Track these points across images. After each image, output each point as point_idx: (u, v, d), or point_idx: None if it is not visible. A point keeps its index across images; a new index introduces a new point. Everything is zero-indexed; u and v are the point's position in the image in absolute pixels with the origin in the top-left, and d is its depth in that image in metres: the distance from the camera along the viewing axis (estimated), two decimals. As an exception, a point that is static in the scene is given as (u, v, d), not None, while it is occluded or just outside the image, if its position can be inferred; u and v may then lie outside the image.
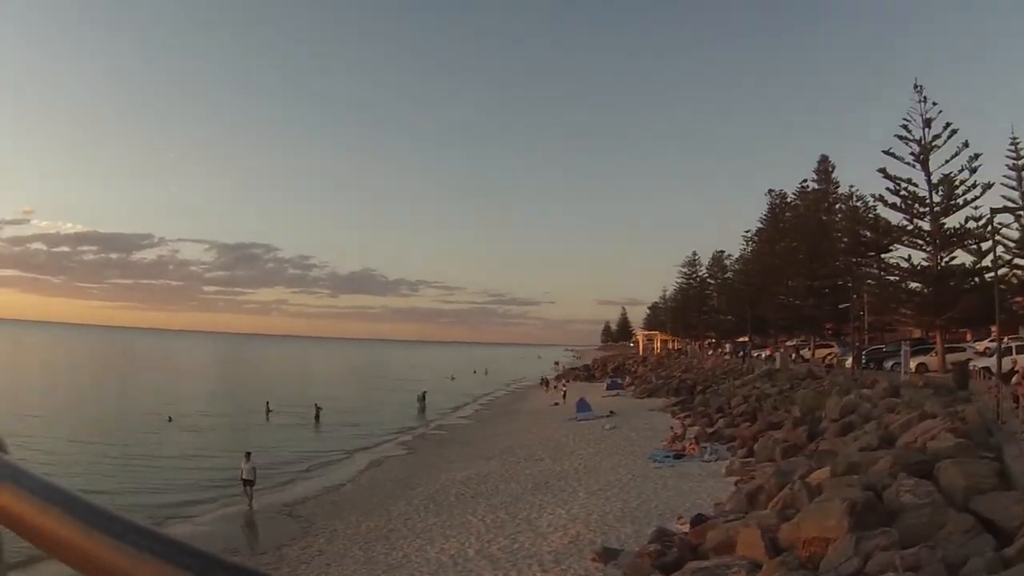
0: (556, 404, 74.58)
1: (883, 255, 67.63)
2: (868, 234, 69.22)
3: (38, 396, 75.32)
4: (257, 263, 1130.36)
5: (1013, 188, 62.23)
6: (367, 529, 27.83)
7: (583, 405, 61.10)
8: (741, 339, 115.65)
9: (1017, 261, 58.78)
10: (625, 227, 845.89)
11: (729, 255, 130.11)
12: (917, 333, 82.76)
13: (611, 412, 59.96)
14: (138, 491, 36.37)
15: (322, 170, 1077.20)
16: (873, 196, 70.88)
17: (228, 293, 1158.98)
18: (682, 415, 54.93)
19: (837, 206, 79.32)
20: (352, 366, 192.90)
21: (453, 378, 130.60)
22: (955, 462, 17.38)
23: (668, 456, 37.12)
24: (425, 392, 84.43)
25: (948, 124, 51.55)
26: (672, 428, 46.64)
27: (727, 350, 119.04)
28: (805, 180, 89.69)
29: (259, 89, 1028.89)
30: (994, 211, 28.59)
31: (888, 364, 56.98)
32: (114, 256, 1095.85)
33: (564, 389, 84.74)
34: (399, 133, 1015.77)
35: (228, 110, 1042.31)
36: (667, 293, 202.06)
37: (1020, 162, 63.09)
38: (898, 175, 53.27)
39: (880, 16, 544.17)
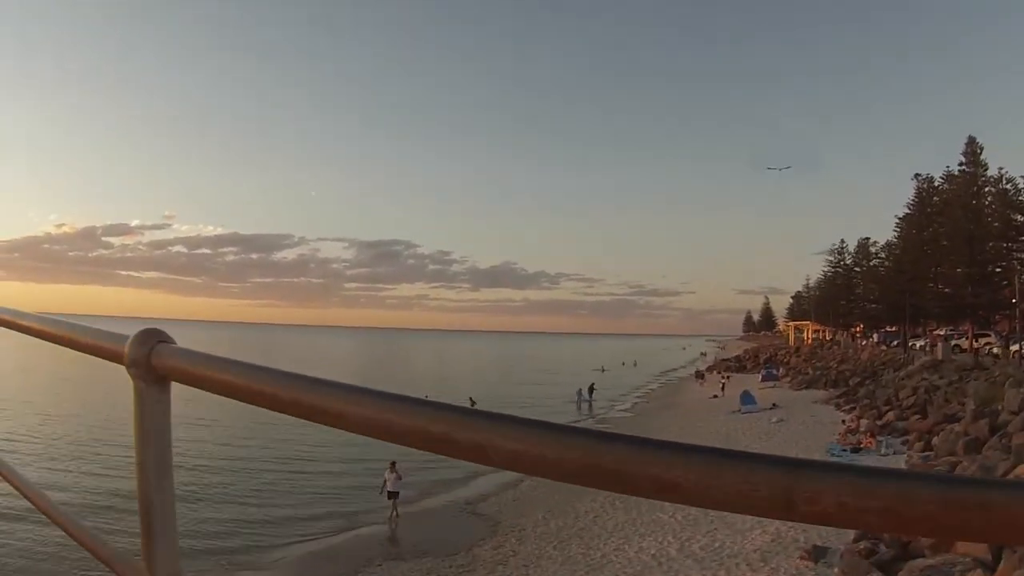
0: (715, 396, 74.38)
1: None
2: (1020, 218, 67.59)
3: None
4: (397, 259, 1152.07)
5: None
6: (557, 528, 28.10)
7: (747, 398, 60.98)
8: (890, 328, 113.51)
9: None
10: (765, 215, 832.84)
11: (875, 242, 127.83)
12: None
13: (774, 404, 59.76)
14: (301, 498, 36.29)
15: (460, 166, 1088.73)
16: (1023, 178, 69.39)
17: (369, 289, 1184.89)
18: (847, 407, 54.64)
19: (987, 189, 77.21)
20: (498, 359, 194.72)
21: (604, 370, 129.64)
22: None
23: (845, 450, 37.13)
24: (593, 384, 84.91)
25: None
26: (844, 422, 46.38)
27: (875, 340, 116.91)
28: (951, 165, 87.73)
29: (393, 89, 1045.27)
30: None
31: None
32: (255, 256, 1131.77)
33: (724, 381, 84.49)
34: (533, 129, 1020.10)
35: (363, 109, 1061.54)
36: (810, 282, 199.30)
37: None
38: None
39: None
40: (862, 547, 18.89)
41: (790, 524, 23.18)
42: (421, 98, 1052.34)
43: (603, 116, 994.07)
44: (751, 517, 24.29)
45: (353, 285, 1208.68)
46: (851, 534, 21.10)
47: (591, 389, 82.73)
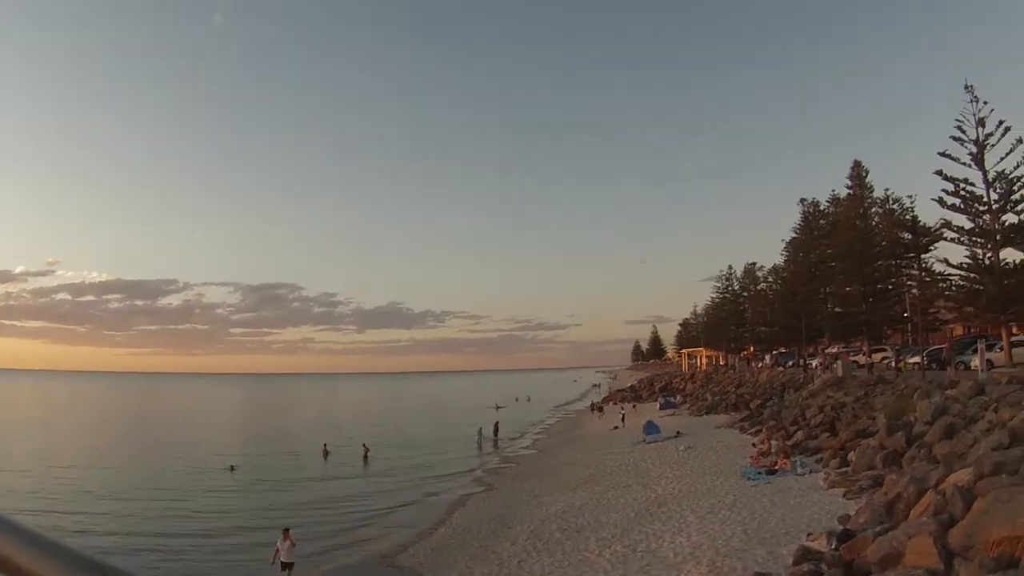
0: (616, 428, 74.47)
1: (923, 255, 67.45)
2: (907, 236, 69.00)
3: (77, 448, 76.15)
4: (283, 303, 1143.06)
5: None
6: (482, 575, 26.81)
7: (651, 427, 60.74)
8: (782, 350, 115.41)
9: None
10: (648, 247, 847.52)
11: (761, 266, 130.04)
12: (959, 331, 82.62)
13: (678, 432, 59.56)
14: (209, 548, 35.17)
15: (344, 207, 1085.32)
16: (909, 198, 71.27)
17: (255, 334, 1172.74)
18: (752, 430, 54.62)
19: (873, 210, 78.93)
20: (389, 401, 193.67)
21: (499, 407, 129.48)
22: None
23: (760, 473, 36.66)
24: (498, 423, 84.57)
25: (1001, 122, 51.71)
26: (755, 444, 46.16)
27: (767, 362, 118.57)
28: (836, 188, 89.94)
29: (273, 133, 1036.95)
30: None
31: (953, 363, 56.70)
32: (140, 303, 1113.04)
33: (623, 412, 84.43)
34: (416, 168, 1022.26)
35: (245, 153, 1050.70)
36: (698, 309, 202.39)
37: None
38: (954, 176, 53.33)
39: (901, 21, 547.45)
40: (805, 570, 18.35)
41: (723, 553, 22.65)
42: (302, 141, 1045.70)
43: (484, 153, 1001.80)
44: (682, 550, 23.69)
45: (238, 330, 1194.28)
46: (789, 559, 20.61)
47: (496, 428, 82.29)
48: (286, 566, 27.86)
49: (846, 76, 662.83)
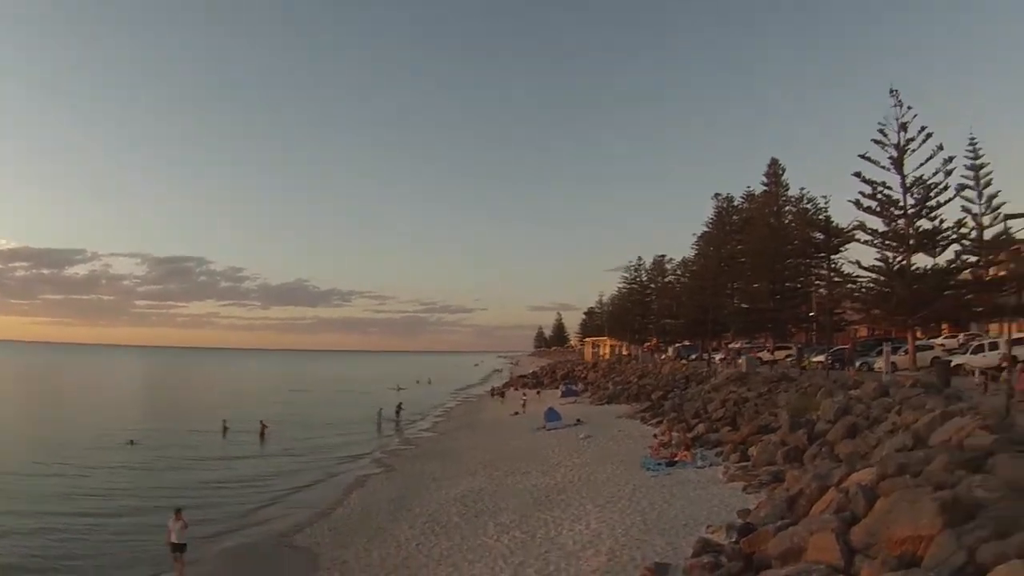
0: (516, 413, 74.54)
1: (833, 256, 68.57)
2: (819, 236, 70.05)
3: None
4: (189, 276, 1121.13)
5: (971, 188, 64.13)
6: (380, 558, 26.21)
7: (552, 414, 60.73)
8: (684, 343, 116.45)
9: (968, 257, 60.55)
10: (555, 234, 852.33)
11: (671, 259, 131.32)
12: (863, 332, 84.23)
13: (578, 420, 59.69)
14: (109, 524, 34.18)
15: (254, 181, 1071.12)
16: (824, 198, 72.47)
17: (160, 307, 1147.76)
18: (653, 421, 54.84)
19: (787, 208, 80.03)
20: (292, 378, 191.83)
21: (400, 388, 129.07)
22: (1010, 456, 17.42)
23: (660, 464, 36.68)
24: (401, 404, 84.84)
25: (923, 128, 52.48)
26: (656, 435, 46.30)
27: (670, 354, 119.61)
28: (751, 185, 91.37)
29: (187, 102, 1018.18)
30: (1008, 216, 28.85)
31: (857, 364, 57.65)
32: (46, 272, 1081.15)
33: (524, 398, 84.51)
34: (326, 143, 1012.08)
35: (158, 123, 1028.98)
36: (604, 298, 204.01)
37: (977, 162, 64.89)
38: (872, 179, 54.04)
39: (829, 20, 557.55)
40: (705, 561, 18.22)
41: (623, 542, 22.51)
42: (213, 111, 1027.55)
43: (396, 132, 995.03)
44: (582, 538, 23.47)
45: (144, 303, 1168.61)
46: (689, 551, 20.51)
47: (398, 409, 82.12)
48: (177, 547, 25.81)
49: (767, 75, 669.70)
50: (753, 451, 34.86)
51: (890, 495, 16.25)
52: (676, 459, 37.15)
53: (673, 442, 41.74)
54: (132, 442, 58.58)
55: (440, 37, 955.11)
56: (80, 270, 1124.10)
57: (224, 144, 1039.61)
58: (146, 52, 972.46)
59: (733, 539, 20.01)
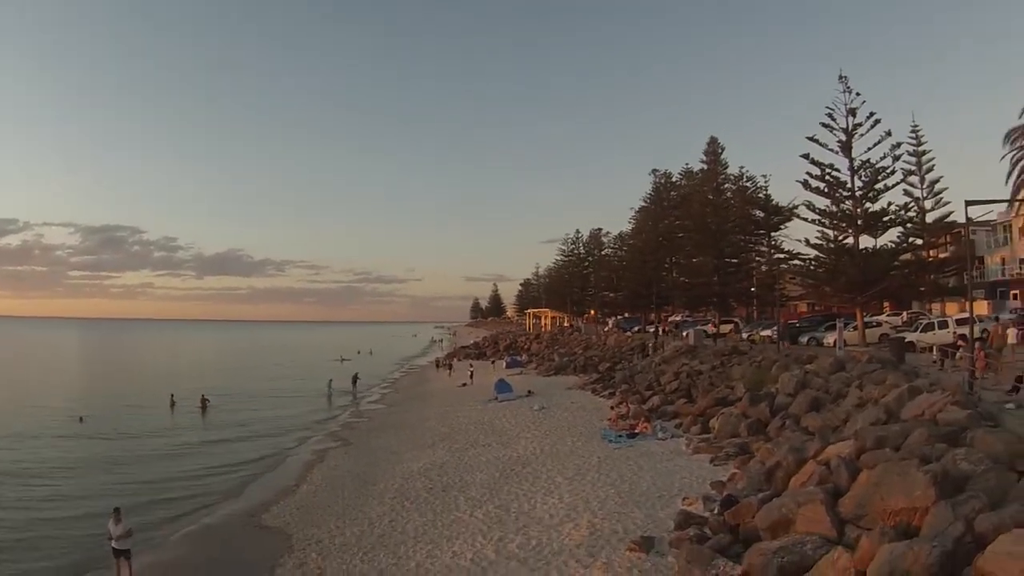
0: (464, 385, 74.69)
1: (773, 233, 69.48)
2: (759, 213, 70.89)
3: None
4: (123, 246, 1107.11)
5: (913, 173, 65.73)
6: (355, 536, 25.76)
7: (502, 385, 60.94)
8: (624, 315, 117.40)
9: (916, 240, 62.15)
10: (490, 205, 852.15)
11: (607, 232, 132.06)
12: (803, 309, 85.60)
13: (529, 392, 59.95)
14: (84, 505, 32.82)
15: (186, 149, 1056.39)
16: (764, 177, 73.56)
17: (94, 278, 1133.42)
18: (605, 393, 55.28)
19: (726, 186, 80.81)
20: (231, 351, 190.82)
21: (343, 360, 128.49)
22: (986, 431, 17.93)
23: (621, 436, 36.99)
24: (357, 375, 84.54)
25: (872, 114, 53.30)
26: (613, 407, 46.61)
27: (609, 326, 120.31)
28: (690, 163, 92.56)
29: (118, 68, 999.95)
30: (968, 203, 29.26)
31: (803, 339, 58.70)
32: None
33: (471, 369, 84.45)
34: (260, 110, 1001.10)
35: (89, 89, 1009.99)
36: (540, 270, 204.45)
37: (920, 148, 66.55)
38: (820, 160, 54.70)
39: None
40: (691, 534, 18.48)
41: (601, 515, 22.63)
42: (147, 79, 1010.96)
43: (331, 103, 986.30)
44: (557, 511, 23.59)
45: (77, 273, 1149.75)
46: (669, 523, 20.77)
47: (355, 380, 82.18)
48: (119, 553, 23.16)
49: (708, 56, 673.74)
50: (714, 423, 35.29)
51: (874, 467, 16.61)
52: (636, 431, 37.43)
53: (630, 414, 42.11)
54: (81, 419, 57.73)
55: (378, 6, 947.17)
56: (12, 240, 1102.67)
57: (156, 110, 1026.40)
58: (75, 15, 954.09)
59: (716, 511, 20.29)
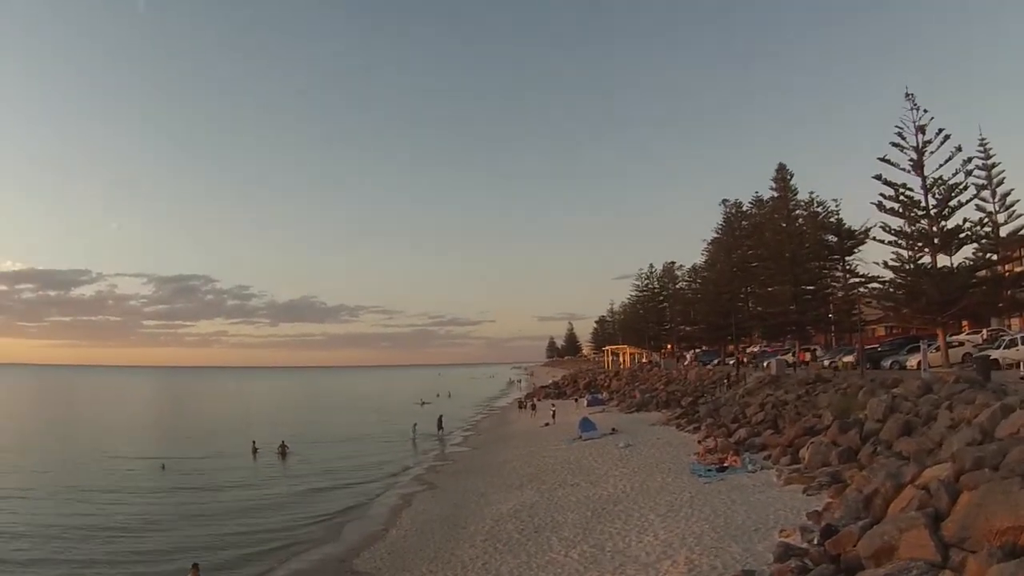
0: (547, 424, 74.38)
1: (847, 257, 68.74)
2: (832, 238, 70.20)
3: (9, 443, 73.93)
4: (196, 295, 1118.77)
5: (985, 187, 64.63)
6: None
7: (587, 424, 60.76)
8: (703, 348, 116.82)
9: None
10: (560, 245, 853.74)
11: (680, 265, 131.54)
12: (881, 332, 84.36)
13: (613, 429, 59.70)
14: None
15: (257, 199, 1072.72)
16: (835, 201, 72.81)
17: (168, 326, 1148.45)
18: (690, 427, 54.95)
19: (797, 212, 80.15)
20: (309, 396, 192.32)
21: (424, 403, 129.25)
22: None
23: (710, 470, 36.73)
24: (442, 416, 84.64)
25: (941, 130, 52.55)
26: (700, 442, 46.34)
27: (688, 360, 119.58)
28: (759, 191, 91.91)
29: (187, 119, 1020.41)
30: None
31: (886, 363, 57.95)
32: (52, 293, 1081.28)
33: (553, 409, 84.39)
34: (331, 162, 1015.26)
35: (159, 143, 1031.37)
36: (614, 306, 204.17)
37: (989, 161, 65.45)
38: (893, 180, 54.09)
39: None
40: (793, 566, 18.34)
41: (698, 551, 22.41)
42: (215, 129, 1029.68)
43: (398, 147, 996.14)
44: (654, 549, 23.46)
45: (151, 323, 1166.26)
46: (768, 556, 20.60)
47: (440, 423, 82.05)
48: None
49: (769, 80, 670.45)
50: (803, 453, 34.76)
51: (975, 488, 16.41)
52: (726, 464, 37.16)
53: (719, 447, 41.83)
54: (163, 466, 58.40)
55: (444, 36, 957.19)
56: (86, 291, 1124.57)
57: (226, 161, 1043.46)
58: (149, 71, 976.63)
59: (816, 542, 20.06)
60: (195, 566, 23.65)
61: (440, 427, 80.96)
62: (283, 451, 65.91)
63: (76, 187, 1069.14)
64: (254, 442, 68.57)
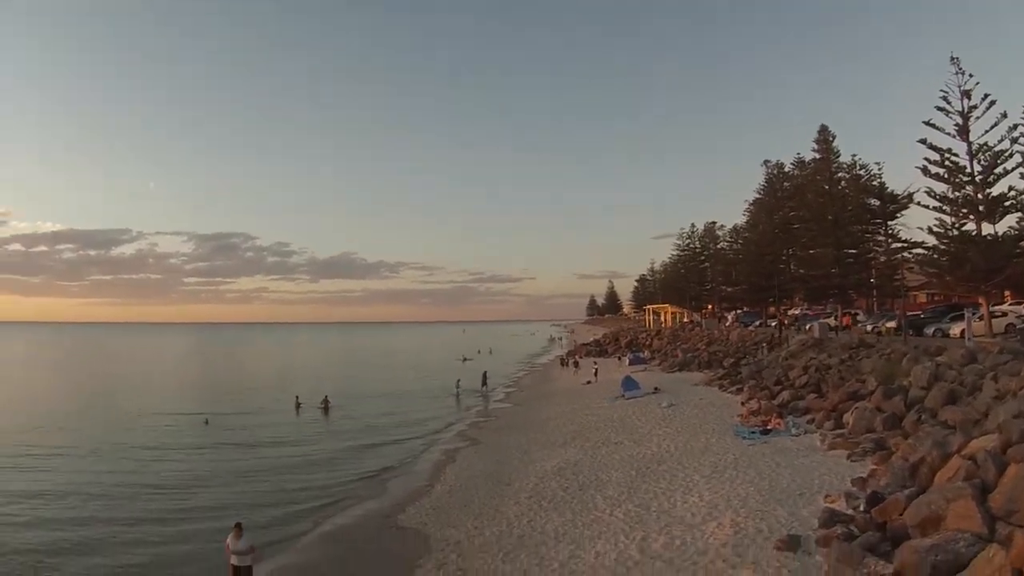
0: (589, 383, 74.81)
1: (889, 222, 68.23)
2: (875, 202, 69.66)
3: (45, 405, 73.80)
4: (236, 252, 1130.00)
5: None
6: (494, 537, 25.86)
7: (630, 383, 60.98)
8: (744, 309, 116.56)
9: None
10: (601, 203, 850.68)
11: (722, 225, 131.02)
12: (922, 299, 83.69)
13: (656, 388, 59.89)
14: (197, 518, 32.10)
15: (296, 156, 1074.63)
16: (877, 164, 72.05)
17: (209, 284, 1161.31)
18: (732, 388, 55.11)
19: (839, 175, 79.50)
20: (351, 351, 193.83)
21: (466, 359, 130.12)
22: None
23: (754, 432, 36.85)
24: (486, 373, 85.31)
25: (987, 95, 52.03)
26: (744, 403, 46.47)
27: (729, 321, 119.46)
28: (802, 152, 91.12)
29: (228, 78, 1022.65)
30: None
31: (929, 330, 57.84)
32: (92, 253, 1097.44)
33: (596, 367, 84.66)
34: (372, 115, 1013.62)
35: (198, 101, 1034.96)
36: (655, 265, 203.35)
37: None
38: (938, 146, 53.63)
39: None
40: (839, 532, 18.46)
41: (743, 514, 22.50)
42: (258, 90, 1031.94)
43: (440, 105, 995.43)
44: (699, 510, 23.68)
45: (192, 280, 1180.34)
46: (813, 521, 20.75)
47: (484, 379, 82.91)
48: (239, 571, 21.94)
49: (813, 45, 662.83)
50: (847, 418, 34.69)
51: (1022, 462, 16.48)
52: (769, 427, 37.31)
53: (762, 410, 41.96)
54: (207, 422, 59.25)
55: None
56: (127, 250, 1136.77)
57: (264, 118, 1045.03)
58: (189, 31, 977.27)
59: (861, 508, 20.17)
60: (238, 525, 22.46)
61: (484, 383, 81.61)
62: (326, 406, 66.75)
63: (115, 147, 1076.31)
64: (297, 397, 69.54)
